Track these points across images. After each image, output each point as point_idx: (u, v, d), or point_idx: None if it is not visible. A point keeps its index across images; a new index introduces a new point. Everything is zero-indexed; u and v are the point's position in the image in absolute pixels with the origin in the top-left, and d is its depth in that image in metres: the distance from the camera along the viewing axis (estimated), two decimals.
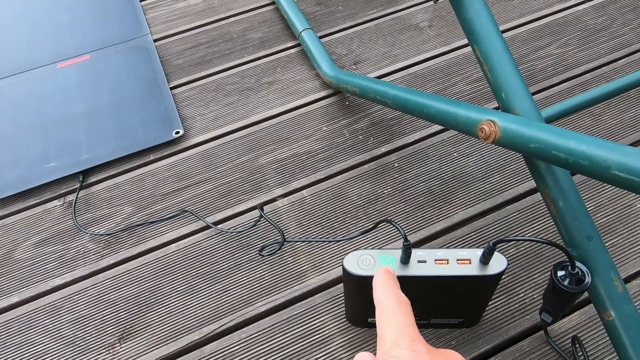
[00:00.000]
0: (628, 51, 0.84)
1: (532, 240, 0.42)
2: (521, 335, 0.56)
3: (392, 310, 0.30)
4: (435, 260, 0.47)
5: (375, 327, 0.57)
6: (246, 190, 0.71)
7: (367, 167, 0.72)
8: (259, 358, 0.56)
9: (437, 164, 0.72)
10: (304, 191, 0.70)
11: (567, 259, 0.44)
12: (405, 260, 0.47)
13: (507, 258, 0.47)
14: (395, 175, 0.71)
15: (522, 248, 0.62)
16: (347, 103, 0.81)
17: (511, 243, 0.63)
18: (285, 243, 0.63)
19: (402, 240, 0.46)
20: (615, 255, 0.61)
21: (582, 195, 0.67)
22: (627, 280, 0.59)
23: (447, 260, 0.47)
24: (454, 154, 0.73)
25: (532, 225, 0.64)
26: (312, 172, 0.73)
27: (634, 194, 0.66)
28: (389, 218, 0.57)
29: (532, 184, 0.69)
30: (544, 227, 0.64)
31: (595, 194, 0.67)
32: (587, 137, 0.41)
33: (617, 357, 0.50)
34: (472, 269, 0.47)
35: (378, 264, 0.48)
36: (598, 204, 0.66)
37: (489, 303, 0.58)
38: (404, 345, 0.26)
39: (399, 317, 0.29)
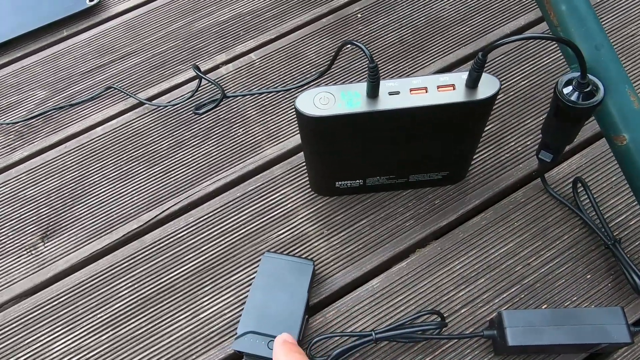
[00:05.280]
0: None
1: (531, 38, 0.32)
2: (514, 187, 0.48)
3: None
4: (411, 90, 0.38)
5: (345, 194, 0.48)
6: (183, 59, 0.59)
7: (325, 21, 0.61)
8: (212, 240, 0.47)
9: (407, 10, 0.60)
10: (251, 54, 0.59)
11: (576, 77, 0.35)
12: (373, 92, 0.37)
13: (495, 105, 0.37)
14: (360, 27, 0.60)
15: (511, 93, 0.53)
16: None
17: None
18: (225, 100, 0.52)
19: (368, 68, 0.36)
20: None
21: None
22: None
23: (425, 88, 0.38)
24: None
25: (526, 65, 0.55)
26: (259, 32, 0.61)
27: None
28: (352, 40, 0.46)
29: (521, 21, 0.58)
30: (539, 63, 0.55)
31: None
32: None
33: (629, 190, 0.44)
34: (457, 95, 0.37)
35: (340, 102, 0.38)
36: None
37: (476, 156, 0.50)
38: None
39: None
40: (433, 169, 0.46)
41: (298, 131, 0.53)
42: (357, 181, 0.46)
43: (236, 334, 0.41)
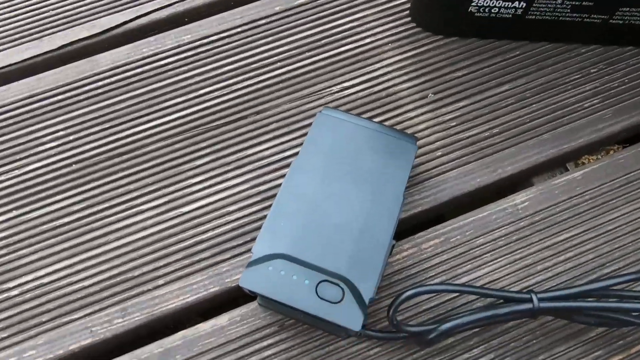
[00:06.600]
0: None
1: None
2: None
3: None
4: None
5: (472, 35, 0.26)
6: None
7: None
8: (222, 79, 0.26)
9: None
10: None
11: None
12: None
13: None
14: None
15: None
16: None
17: None
18: None
19: None
20: None
21: None
22: None
23: None
24: None
25: None
26: None
27: None
28: None
29: None
30: None
31: None
32: None
33: None
34: None
35: None
36: None
37: None
38: None
39: None
40: None
41: None
42: (516, 3, 0.24)
43: (247, 255, 0.21)
